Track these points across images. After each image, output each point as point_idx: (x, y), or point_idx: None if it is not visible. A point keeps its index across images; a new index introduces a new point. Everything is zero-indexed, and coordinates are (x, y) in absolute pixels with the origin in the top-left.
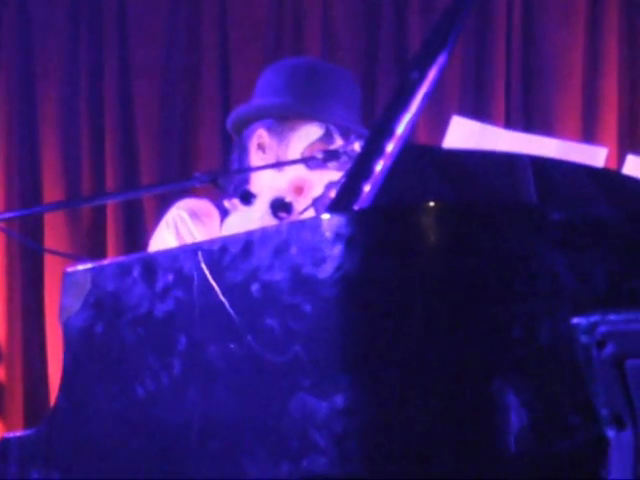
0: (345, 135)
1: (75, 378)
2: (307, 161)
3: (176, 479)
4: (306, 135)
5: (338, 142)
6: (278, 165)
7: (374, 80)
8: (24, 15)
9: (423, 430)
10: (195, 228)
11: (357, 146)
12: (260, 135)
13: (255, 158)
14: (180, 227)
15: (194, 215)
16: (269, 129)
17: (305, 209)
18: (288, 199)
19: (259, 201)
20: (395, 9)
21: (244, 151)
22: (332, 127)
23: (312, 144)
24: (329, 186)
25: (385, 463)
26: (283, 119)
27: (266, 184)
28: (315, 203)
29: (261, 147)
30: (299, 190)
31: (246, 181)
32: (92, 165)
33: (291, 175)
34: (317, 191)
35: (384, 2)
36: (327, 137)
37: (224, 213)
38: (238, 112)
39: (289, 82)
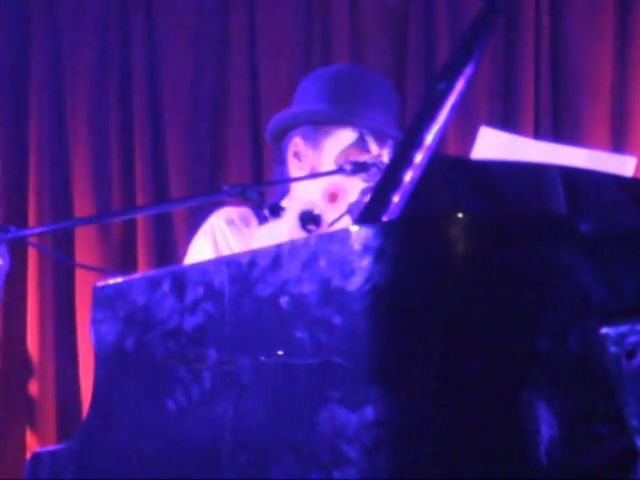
0: (380, 140)
1: (106, 392)
2: (337, 173)
3: None
4: (340, 140)
5: (372, 147)
6: (307, 178)
7: (402, 93)
8: (55, 33)
9: (453, 442)
10: (231, 236)
11: (386, 157)
12: (296, 143)
13: (292, 167)
14: (217, 235)
15: (231, 223)
16: (304, 137)
17: (336, 220)
18: (317, 211)
19: (288, 213)
20: (423, 22)
21: (283, 162)
22: (366, 132)
23: (346, 149)
24: (364, 192)
25: (415, 475)
26: (318, 125)
27: (302, 193)
28: (350, 209)
29: (297, 155)
30: (333, 197)
31: (286, 191)
32: (122, 180)
33: (325, 182)
34: (352, 197)
35: (412, 15)
36: (361, 142)
37: (263, 220)
38: (274, 121)
39: (324, 89)
